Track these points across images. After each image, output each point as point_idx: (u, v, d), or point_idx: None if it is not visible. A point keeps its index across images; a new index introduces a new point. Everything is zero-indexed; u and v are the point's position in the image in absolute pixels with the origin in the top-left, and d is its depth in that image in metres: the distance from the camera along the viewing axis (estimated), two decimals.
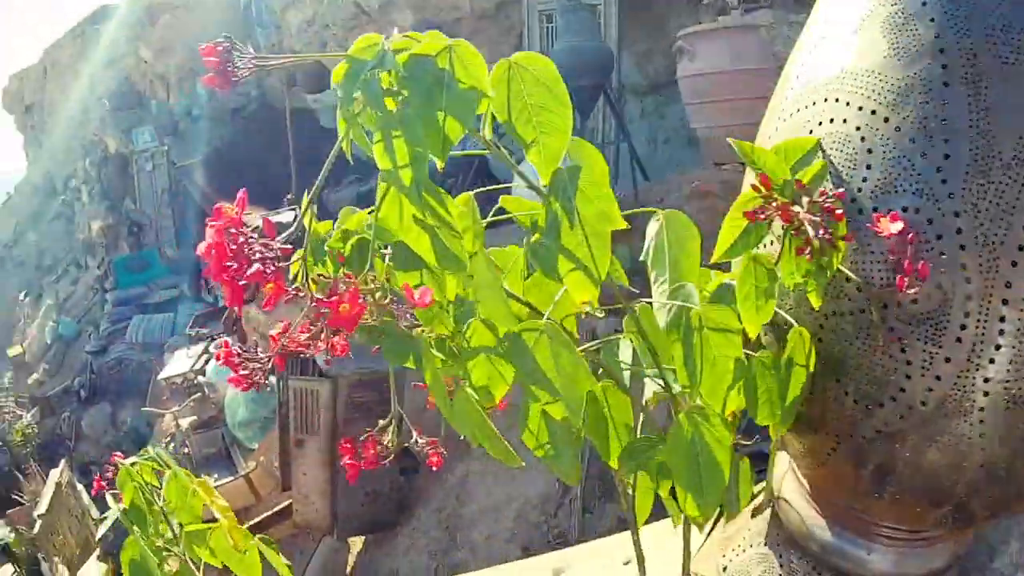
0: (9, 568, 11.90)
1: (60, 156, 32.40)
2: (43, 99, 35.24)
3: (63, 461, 12.52)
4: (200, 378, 9.19)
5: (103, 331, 17.07)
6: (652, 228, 1.11)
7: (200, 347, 9.94)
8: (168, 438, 9.44)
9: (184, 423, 8.08)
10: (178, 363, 9.99)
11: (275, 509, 7.01)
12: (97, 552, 10.23)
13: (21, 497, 12.81)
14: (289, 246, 0.93)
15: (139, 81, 25.08)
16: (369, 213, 0.99)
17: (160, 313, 16.53)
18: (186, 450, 8.01)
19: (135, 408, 15.73)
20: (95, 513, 12.13)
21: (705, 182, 6.25)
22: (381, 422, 1.18)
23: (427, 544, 5.88)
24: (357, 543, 6.54)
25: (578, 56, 7.60)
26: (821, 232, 1.01)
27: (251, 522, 7.13)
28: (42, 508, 10.54)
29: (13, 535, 12.06)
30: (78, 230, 25.47)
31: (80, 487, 12.55)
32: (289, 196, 10.52)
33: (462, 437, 1.18)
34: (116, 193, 22.20)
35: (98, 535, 10.66)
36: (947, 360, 1.07)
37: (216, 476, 8.46)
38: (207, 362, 9.51)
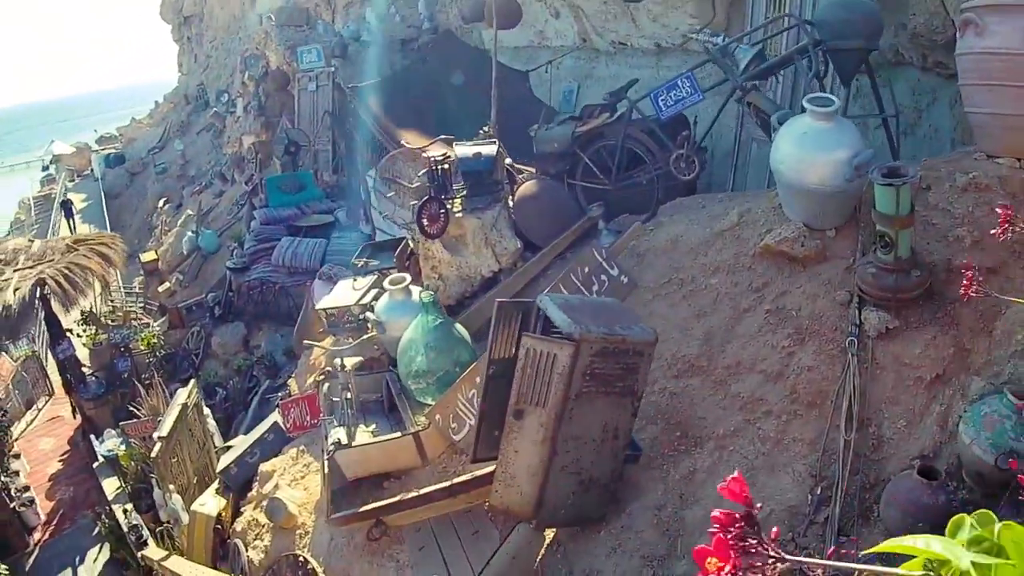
0: (115, 482, 11.29)
1: (215, 69, 32.21)
2: (202, 11, 35.23)
3: (192, 381, 11.51)
4: (368, 314, 7.86)
5: (247, 248, 16.08)
6: None
7: (368, 280, 8.63)
8: (321, 375, 8.15)
9: (349, 363, 6.75)
10: (341, 294, 8.70)
11: (458, 480, 5.78)
12: (216, 484, 9.51)
13: (138, 409, 11.89)
14: None
15: (304, 1, 24.29)
16: None
17: (311, 238, 15.44)
18: (348, 394, 6.66)
19: (271, 332, 14.75)
20: (219, 441, 11.26)
21: (977, 174, 5.22)
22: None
23: (639, 547, 4.96)
24: (547, 534, 5.54)
25: (847, 13, 6.77)
26: None
27: (426, 488, 5.91)
28: (163, 430, 9.48)
29: (124, 448, 11.49)
30: (227, 144, 24.93)
31: (207, 411, 11.60)
32: (485, 128, 9.15)
33: None
34: (272, 110, 21.38)
35: (219, 466, 9.83)
36: None
37: (375, 427, 7.15)
38: (376, 297, 8.19)
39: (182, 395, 10.38)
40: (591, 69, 14.19)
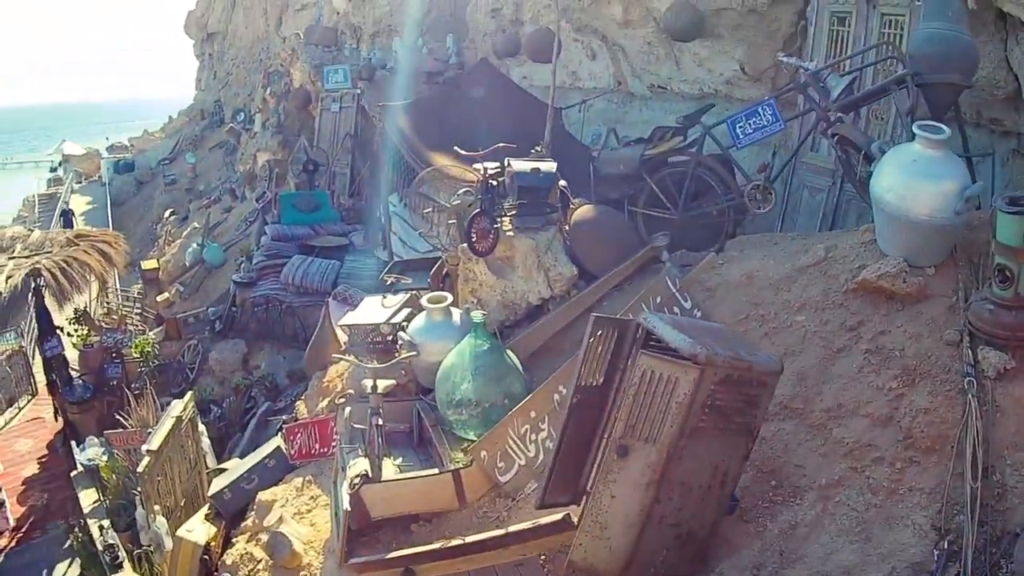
0: (93, 494, 10.24)
1: (234, 87, 31.63)
2: (226, 29, 34.83)
3: (189, 393, 10.45)
4: (401, 334, 6.87)
5: (256, 263, 15.13)
6: None
7: (399, 298, 7.68)
8: (342, 398, 7.14)
9: (382, 385, 5.73)
10: (368, 311, 7.72)
11: (516, 529, 4.85)
12: (206, 509, 8.47)
13: (126, 418, 10.76)
14: None
15: (332, 24, 23.76)
16: None
17: (323, 259, 14.49)
18: (378, 420, 5.60)
19: (273, 353, 13.70)
20: (212, 461, 10.25)
21: None
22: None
23: None
24: None
25: (946, 47, 6.30)
26: None
27: (476, 536, 5.00)
28: (153, 443, 8.46)
29: (106, 459, 10.42)
30: (240, 162, 24.20)
31: (202, 428, 10.55)
32: (538, 147, 8.28)
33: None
34: (291, 129, 20.71)
35: (211, 490, 8.68)
36: None
37: (401, 461, 6.13)
38: (408, 317, 7.24)
39: (177, 407, 9.34)
40: (623, 114, 13.64)
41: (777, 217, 9.01)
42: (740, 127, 7.23)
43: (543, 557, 4.90)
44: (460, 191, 8.13)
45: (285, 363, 13.19)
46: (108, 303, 17.97)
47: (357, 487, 5.28)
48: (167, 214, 26.05)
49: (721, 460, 4.15)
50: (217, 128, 30.76)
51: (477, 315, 6.08)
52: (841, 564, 4.17)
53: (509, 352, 6.22)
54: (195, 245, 19.53)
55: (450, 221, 8.12)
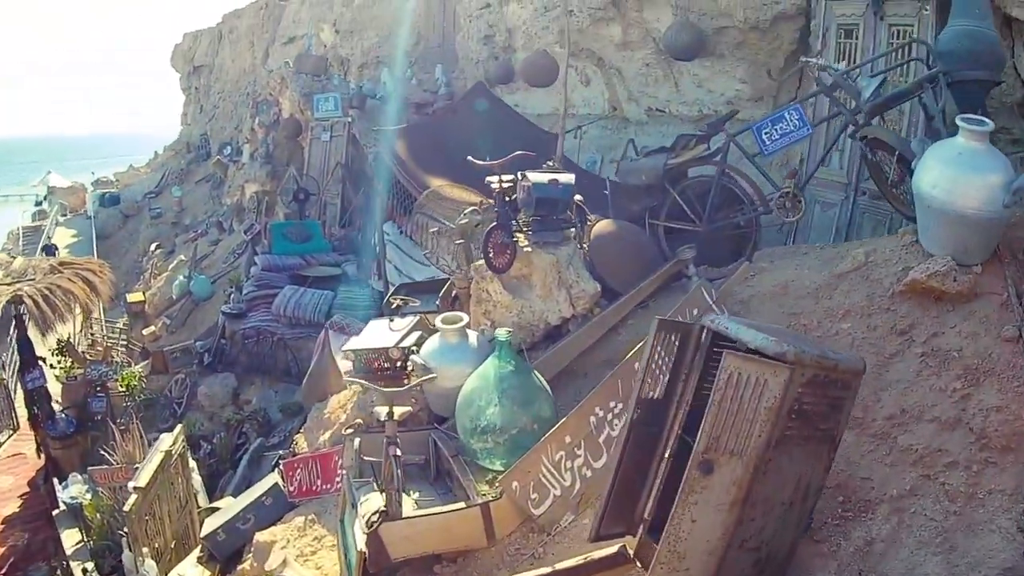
0: (76, 534, 9.66)
1: (221, 120, 31.21)
2: (213, 63, 34.48)
3: (179, 427, 9.81)
4: (414, 358, 6.30)
5: (246, 294, 14.56)
6: None
7: (408, 320, 7.12)
8: (349, 428, 6.55)
9: (397, 411, 5.14)
10: (375, 335, 7.15)
11: (566, 566, 4.25)
12: (198, 552, 7.93)
13: (111, 454, 10.17)
14: None
15: (321, 54, 23.41)
16: None
17: (316, 290, 13.94)
18: (396, 451, 5.00)
19: (264, 387, 13.09)
20: (203, 500, 9.66)
21: None
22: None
23: None
24: None
25: (973, 44, 6.16)
26: None
27: None
28: (141, 480, 7.94)
29: (91, 497, 9.88)
30: (227, 194, 23.72)
31: (192, 464, 9.91)
32: (550, 163, 7.83)
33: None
34: (280, 160, 20.23)
35: (203, 531, 8.14)
36: None
37: (418, 496, 5.54)
38: (419, 341, 6.68)
39: (166, 441, 8.72)
40: (618, 140, 13.31)
41: (788, 235, 8.75)
42: (766, 133, 6.95)
43: None
44: (467, 210, 7.65)
45: (277, 397, 12.64)
46: (92, 334, 17.27)
47: (375, 525, 4.67)
48: (153, 247, 25.47)
49: (804, 472, 3.70)
50: (204, 162, 30.30)
51: (502, 333, 5.53)
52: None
53: (536, 373, 5.65)
54: (182, 277, 18.97)
55: (457, 242, 7.59)
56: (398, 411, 5.22)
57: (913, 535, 4.08)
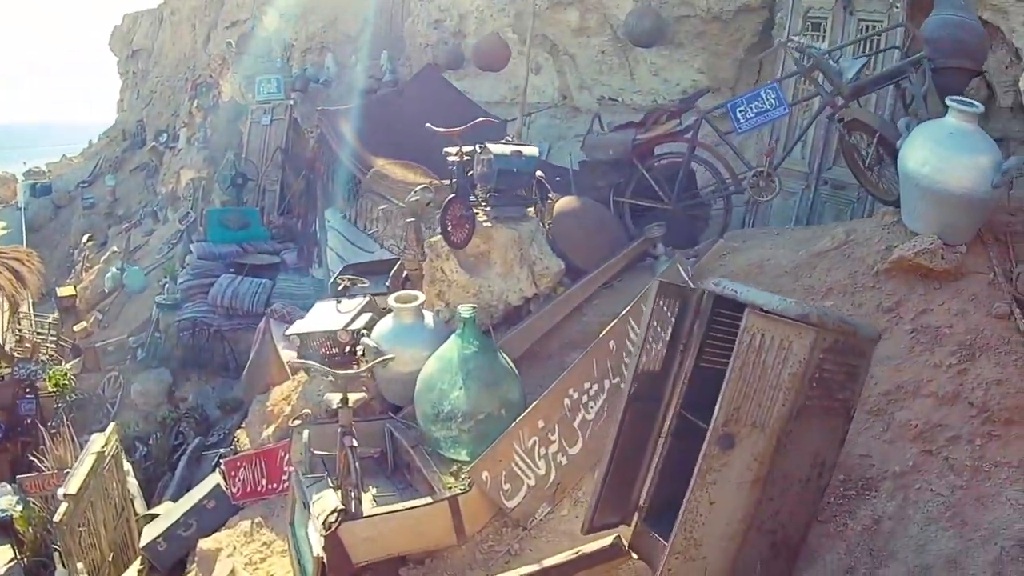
0: (7, 551, 8.92)
1: (158, 106, 30.07)
2: (152, 46, 33.25)
3: (112, 425, 9.16)
4: (366, 340, 5.80)
5: (181, 283, 13.82)
6: None
7: (357, 301, 6.62)
8: (297, 420, 6.03)
9: (352, 398, 4.63)
10: (321, 318, 6.64)
11: (558, 561, 3.86)
12: (138, 564, 7.43)
13: (41, 460, 9.60)
14: None
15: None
16: None
17: (254, 278, 13.27)
18: (352, 441, 4.49)
19: (201, 383, 12.39)
20: (140, 506, 8.95)
21: None
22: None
23: None
24: None
25: (961, 33, 6.15)
26: None
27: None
28: (72, 486, 7.44)
29: (21, 508, 9.27)
30: (162, 183, 22.80)
31: (128, 467, 9.24)
32: (508, 137, 7.44)
33: None
34: (218, 146, 19.44)
35: (142, 540, 7.55)
36: None
37: (375, 491, 5.07)
38: (369, 324, 6.19)
39: (98, 442, 8.16)
40: (566, 129, 13.11)
41: (747, 224, 8.54)
42: (741, 111, 6.77)
43: None
44: (417, 188, 7.18)
45: (215, 393, 11.96)
46: (20, 330, 16.37)
47: (334, 526, 4.16)
48: (85, 239, 24.39)
49: (821, 447, 3.50)
50: (139, 149, 29.03)
51: (466, 309, 5.06)
52: (941, 554, 3.80)
53: (502, 354, 5.19)
54: (114, 270, 18.02)
55: (407, 220, 7.10)
56: (352, 397, 4.73)
57: (921, 511, 4.00)
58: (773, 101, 6.69)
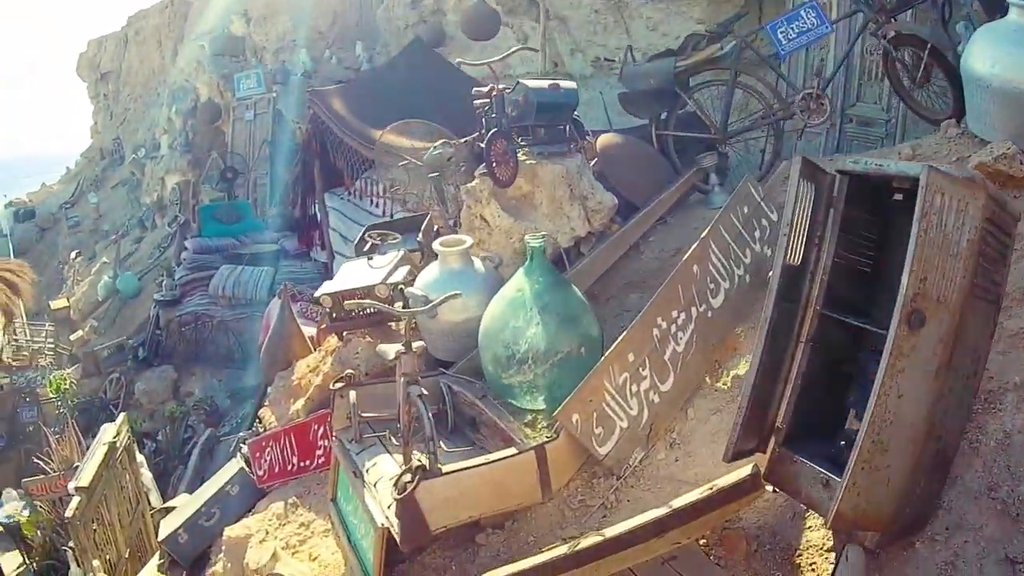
0: (16, 557, 8.20)
1: (132, 123, 29.23)
2: (120, 67, 32.38)
3: (123, 415, 8.38)
4: (411, 290, 5.07)
5: (179, 278, 13.08)
6: None
7: (392, 256, 5.90)
8: (339, 382, 5.27)
9: (416, 344, 3.86)
10: (353, 276, 5.92)
11: (687, 502, 2.98)
12: (157, 559, 6.58)
13: (47, 462, 8.91)
14: None
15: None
16: None
17: (255, 267, 12.55)
18: (422, 390, 3.73)
19: (207, 377, 11.65)
20: (156, 499, 8.16)
21: None
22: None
23: (987, 551, 2.93)
24: None
25: None
26: None
27: (622, 526, 3.02)
28: (83, 479, 6.62)
29: (28, 513, 8.56)
30: (146, 193, 22.01)
31: (140, 458, 8.44)
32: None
33: None
34: (201, 147, 18.70)
35: (161, 534, 6.60)
36: None
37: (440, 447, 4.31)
38: (408, 277, 5.47)
39: (109, 432, 7.36)
40: None
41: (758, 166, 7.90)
42: (782, 32, 6.15)
43: (703, 541, 3.21)
44: (437, 143, 6.44)
45: (222, 385, 11.34)
46: (16, 339, 15.54)
47: (410, 486, 3.40)
48: (73, 255, 23.48)
49: (979, 339, 2.82)
50: (119, 167, 28.22)
51: (534, 239, 4.31)
52: None
53: (575, 287, 4.46)
54: (106, 278, 17.30)
55: (430, 176, 6.36)
56: (416, 344, 3.98)
57: None
58: (814, 20, 6.07)
